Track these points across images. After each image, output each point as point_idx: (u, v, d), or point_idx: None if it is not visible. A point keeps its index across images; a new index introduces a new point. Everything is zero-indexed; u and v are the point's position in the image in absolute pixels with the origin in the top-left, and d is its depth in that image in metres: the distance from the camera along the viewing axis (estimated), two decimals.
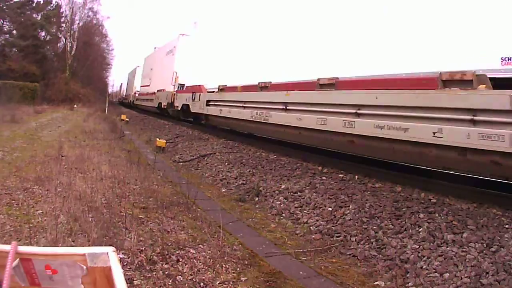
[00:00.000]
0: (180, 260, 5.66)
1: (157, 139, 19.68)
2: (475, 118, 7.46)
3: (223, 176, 12.84)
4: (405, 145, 9.04)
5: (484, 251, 5.90)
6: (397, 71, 10.61)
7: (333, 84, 11.57)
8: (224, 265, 5.80)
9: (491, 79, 7.90)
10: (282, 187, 10.50)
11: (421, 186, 8.86)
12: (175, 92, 30.08)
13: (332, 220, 8.24)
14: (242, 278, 5.55)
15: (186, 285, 4.99)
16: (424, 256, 6.23)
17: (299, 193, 9.86)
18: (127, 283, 1.65)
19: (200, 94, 23.26)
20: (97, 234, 5.75)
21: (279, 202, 9.73)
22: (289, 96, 13.51)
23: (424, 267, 6.01)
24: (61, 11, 59.93)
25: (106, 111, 45.50)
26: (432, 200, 8.03)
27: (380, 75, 10.90)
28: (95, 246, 3.07)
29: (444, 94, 8.13)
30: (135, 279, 4.85)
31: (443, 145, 8.04)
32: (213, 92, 22.02)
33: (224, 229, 7.27)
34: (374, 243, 7.05)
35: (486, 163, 7.54)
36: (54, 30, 58.80)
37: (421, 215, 7.35)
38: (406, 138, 8.81)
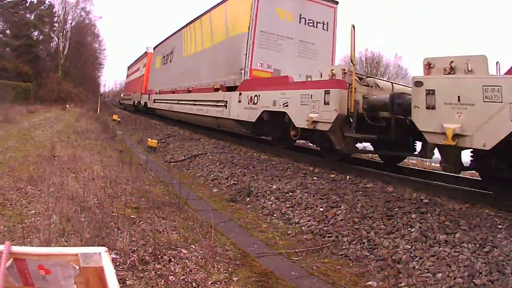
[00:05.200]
0: (172, 260, 5.67)
1: (149, 139, 19.73)
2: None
3: (214, 176, 12.86)
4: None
5: (477, 251, 5.92)
6: None
7: None
8: (216, 265, 5.81)
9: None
10: (273, 187, 10.51)
11: (412, 186, 8.91)
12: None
13: (323, 220, 8.25)
14: (234, 278, 5.56)
15: (179, 285, 5.00)
16: (416, 256, 6.25)
17: (290, 193, 9.88)
18: (119, 283, 1.66)
19: None
20: (89, 234, 5.75)
21: (271, 202, 9.75)
22: None
23: (416, 267, 6.03)
24: (54, 10, 59.98)
25: (98, 111, 45.33)
26: (424, 200, 8.07)
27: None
28: (87, 246, 3.08)
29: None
30: (127, 279, 4.85)
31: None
32: None
33: (215, 229, 7.27)
34: (366, 243, 7.07)
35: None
36: (47, 30, 58.82)
37: (413, 215, 7.37)
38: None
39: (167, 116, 30.70)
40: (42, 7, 58.38)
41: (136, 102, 44.51)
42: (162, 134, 23.64)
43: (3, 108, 26.43)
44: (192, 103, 22.38)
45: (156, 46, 38.23)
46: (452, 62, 8.48)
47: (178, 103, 25.34)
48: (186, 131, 23.31)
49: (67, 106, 46.28)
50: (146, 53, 44.09)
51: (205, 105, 20.11)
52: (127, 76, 65.64)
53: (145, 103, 37.63)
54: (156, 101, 33.19)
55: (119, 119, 36.04)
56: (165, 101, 29.49)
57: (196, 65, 23.63)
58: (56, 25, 60.42)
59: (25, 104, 37.17)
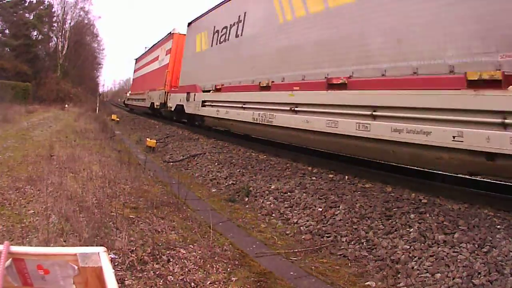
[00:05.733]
0: (171, 260, 5.67)
1: (147, 139, 19.70)
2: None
3: (213, 176, 12.86)
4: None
5: (475, 252, 5.92)
6: None
7: None
8: (214, 265, 5.81)
9: None
10: (272, 187, 10.51)
11: (411, 187, 8.88)
12: None
13: (322, 220, 8.25)
14: (232, 278, 5.56)
15: (177, 285, 5.00)
16: (415, 257, 6.25)
17: (289, 193, 9.87)
18: (118, 283, 1.66)
19: None
20: (88, 234, 5.75)
21: (269, 202, 9.75)
22: None
23: (415, 267, 6.03)
24: (53, 10, 60.07)
25: (97, 111, 45.30)
26: (422, 201, 8.05)
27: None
28: (86, 246, 3.08)
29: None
30: (126, 279, 4.86)
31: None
32: None
33: (214, 229, 7.27)
34: (364, 243, 7.07)
35: None
36: (46, 30, 58.88)
37: (412, 216, 7.37)
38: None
39: (249, 133, 17.49)
40: (41, 7, 58.42)
41: (156, 104, 31.38)
42: (161, 134, 23.61)
43: (2, 108, 26.42)
44: (356, 113, 9.90)
45: (194, 21, 24.69)
46: None
47: (293, 111, 12.37)
48: (185, 131, 23.21)
49: (66, 106, 46.31)
50: (171, 34, 31.33)
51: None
52: (135, 71, 51.82)
53: (179, 106, 24.22)
54: (209, 104, 19.51)
55: (118, 119, 36.06)
56: (240, 106, 15.86)
57: (353, 30, 10.72)
58: (55, 25, 60.60)
59: (24, 104, 37.15)
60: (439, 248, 6.22)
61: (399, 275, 6.00)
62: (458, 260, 5.82)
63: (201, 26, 23.02)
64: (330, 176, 10.59)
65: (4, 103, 31.06)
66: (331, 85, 10.67)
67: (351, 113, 9.98)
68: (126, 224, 6.62)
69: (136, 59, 52.05)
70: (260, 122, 14.20)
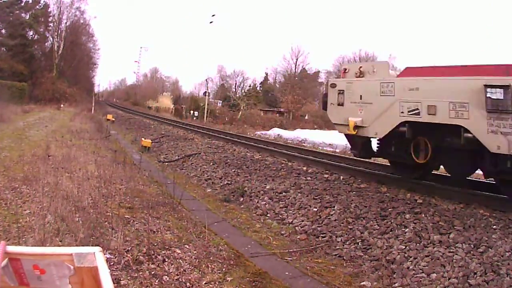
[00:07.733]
0: (166, 260, 5.67)
1: (143, 139, 19.68)
2: None
3: (208, 176, 12.85)
4: None
5: (471, 252, 5.94)
6: None
7: None
8: (210, 265, 5.82)
9: None
10: (267, 187, 10.52)
11: (407, 187, 8.90)
12: None
13: (317, 220, 8.27)
14: (228, 278, 5.57)
15: (173, 285, 5.00)
16: (410, 257, 6.27)
17: (284, 194, 9.88)
18: (114, 283, 1.67)
19: None
20: (84, 234, 5.74)
21: (264, 202, 9.76)
22: None
23: (410, 267, 6.05)
24: (49, 10, 59.76)
25: (93, 110, 45.18)
26: (418, 201, 8.08)
27: None
28: (82, 246, 3.08)
29: None
30: (122, 279, 4.85)
31: None
32: None
33: (209, 229, 7.29)
34: (360, 244, 7.08)
35: None
36: (42, 30, 58.60)
37: (407, 216, 7.39)
38: None
39: None
40: (37, 7, 58.22)
41: None
42: (156, 134, 23.58)
43: None
44: None
45: None
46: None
47: None
48: (180, 130, 23.21)
49: (62, 105, 46.15)
50: None
51: None
52: None
53: None
54: None
55: (113, 119, 35.95)
56: None
57: None
58: (51, 24, 60.29)
59: (20, 104, 37.00)
60: (434, 248, 6.25)
61: (394, 275, 6.02)
62: (454, 260, 5.85)
63: None
64: (325, 176, 10.62)
65: (0, 102, 30.97)
66: None
67: None
68: (121, 224, 6.62)
69: None
70: None
